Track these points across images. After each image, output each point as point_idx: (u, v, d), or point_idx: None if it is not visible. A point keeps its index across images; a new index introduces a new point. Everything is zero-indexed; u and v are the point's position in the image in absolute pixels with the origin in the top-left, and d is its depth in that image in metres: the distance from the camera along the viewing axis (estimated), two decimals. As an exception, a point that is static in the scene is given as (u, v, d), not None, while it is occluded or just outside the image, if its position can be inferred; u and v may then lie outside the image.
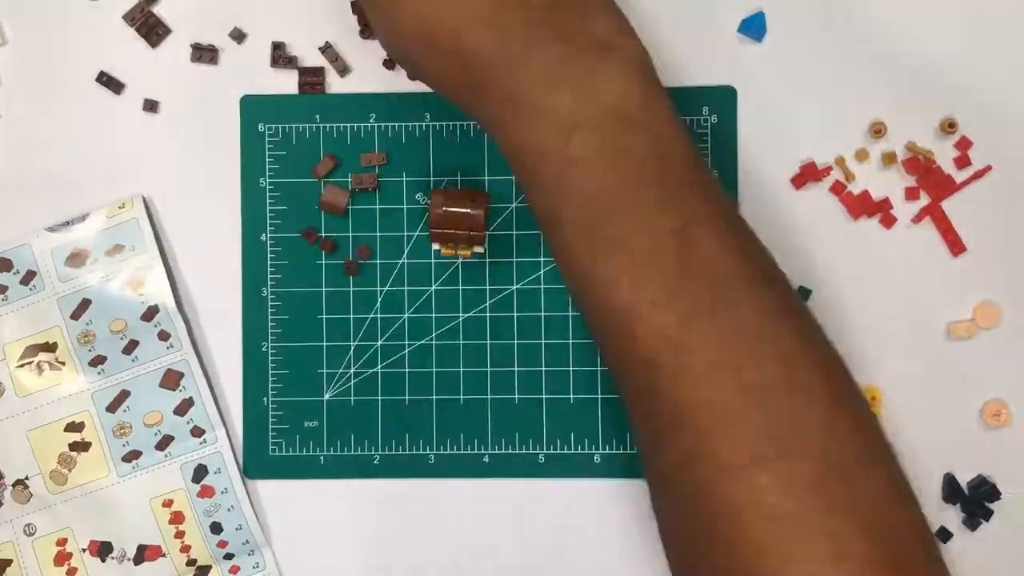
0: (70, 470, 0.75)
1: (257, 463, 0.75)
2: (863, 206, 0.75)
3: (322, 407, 0.75)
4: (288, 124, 0.75)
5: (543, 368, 0.75)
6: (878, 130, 0.75)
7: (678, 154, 0.61)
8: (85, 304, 0.74)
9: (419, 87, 0.74)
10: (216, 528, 0.75)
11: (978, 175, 0.75)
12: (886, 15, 0.75)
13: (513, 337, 0.75)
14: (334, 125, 0.75)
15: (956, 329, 0.75)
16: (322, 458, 0.75)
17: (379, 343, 0.75)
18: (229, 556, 0.75)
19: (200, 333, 0.76)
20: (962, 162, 0.75)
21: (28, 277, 0.75)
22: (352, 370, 0.75)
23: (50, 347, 0.75)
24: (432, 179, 0.74)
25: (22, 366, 0.74)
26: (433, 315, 0.75)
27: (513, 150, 0.61)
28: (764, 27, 0.75)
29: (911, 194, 0.75)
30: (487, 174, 0.75)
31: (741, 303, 0.58)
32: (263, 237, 0.75)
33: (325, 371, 0.75)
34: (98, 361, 0.75)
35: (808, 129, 0.75)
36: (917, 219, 0.75)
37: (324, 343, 0.75)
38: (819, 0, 0.75)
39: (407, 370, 0.75)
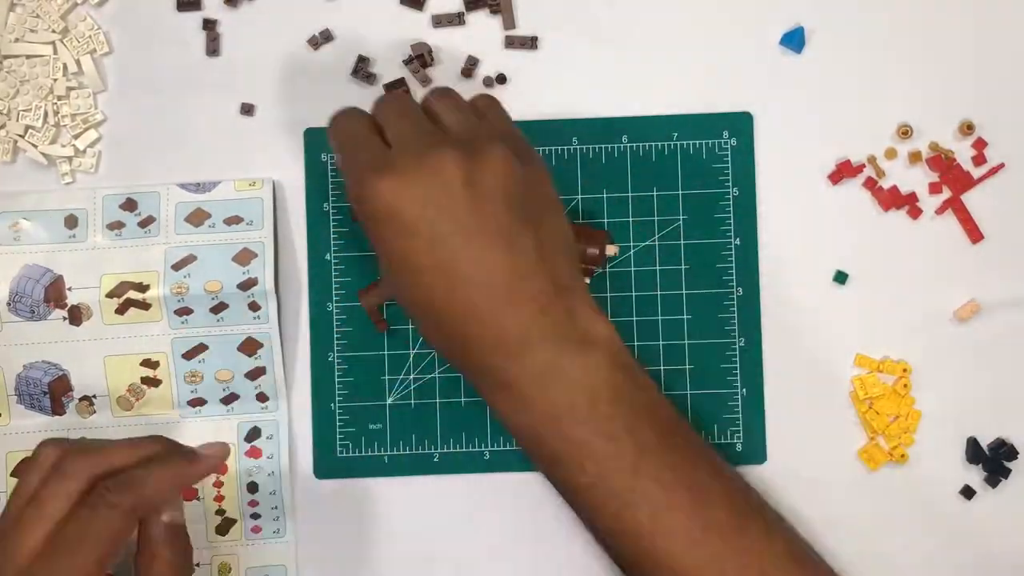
0: (137, 400, 0.78)
1: (326, 463, 0.79)
2: (892, 199, 0.80)
3: (385, 411, 0.79)
4: (349, 153, 0.79)
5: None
6: (905, 132, 0.79)
7: (664, 409, 0.68)
8: (190, 259, 0.77)
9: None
10: (252, 487, 0.78)
11: (993, 171, 0.79)
12: (909, 30, 0.80)
13: (559, 341, 0.80)
14: (390, 153, 0.80)
15: (961, 312, 0.79)
16: (386, 458, 0.79)
17: (436, 351, 0.79)
18: (255, 516, 0.79)
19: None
20: (979, 160, 0.79)
21: (147, 221, 0.78)
22: (412, 376, 0.79)
23: (141, 288, 0.77)
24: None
25: (110, 297, 0.77)
26: (485, 323, 0.79)
27: (512, 429, 0.67)
28: (803, 40, 0.80)
29: (934, 188, 0.79)
30: (531, 194, 0.80)
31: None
32: (328, 256, 0.79)
33: (387, 377, 0.79)
34: (184, 312, 0.77)
35: (843, 130, 0.80)
36: (940, 211, 0.80)
37: (386, 351, 0.79)
38: (851, 19, 0.80)
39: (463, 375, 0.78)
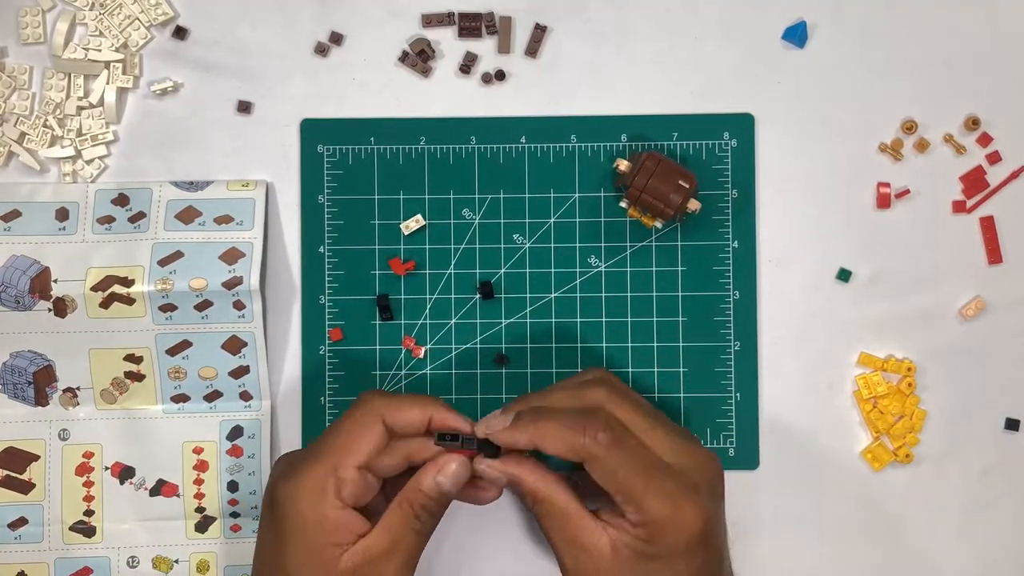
0: (121, 393, 0.78)
1: None
2: (897, 196, 0.79)
3: (375, 406, 0.79)
4: (344, 146, 0.79)
5: (579, 370, 0.78)
6: (909, 127, 0.78)
7: None
8: (176, 255, 0.77)
9: (466, 112, 0.79)
10: (232, 487, 0.79)
11: (1014, 176, 0.78)
12: (913, 24, 0.79)
13: (551, 341, 0.78)
14: (387, 147, 0.79)
15: (966, 310, 0.78)
16: None
17: (428, 346, 0.79)
18: (235, 515, 0.79)
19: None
20: (993, 158, 0.79)
21: (137, 217, 0.78)
22: (403, 371, 0.79)
23: (126, 282, 0.77)
24: (477, 196, 0.79)
25: (95, 290, 0.77)
26: (478, 321, 0.79)
27: None
28: (806, 35, 0.79)
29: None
30: (528, 191, 0.79)
31: None
32: (321, 249, 0.79)
33: (378, 372, 0.79)
34: (168, 308, 0.77)
35: (846, 126, 0.79)
36: (946, 208, 0.79)
37: (377, 346, 0.79)
38: (854, 12, 0.79)
39: (453, 371, 0.79)
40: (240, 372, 0.78)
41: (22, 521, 0.79)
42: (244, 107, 0.79)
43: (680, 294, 0.79)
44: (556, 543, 0.68)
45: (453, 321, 0.79)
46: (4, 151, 0.79)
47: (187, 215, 0.78)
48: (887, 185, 0.78)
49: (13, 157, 0.79)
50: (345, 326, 0.79)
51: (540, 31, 0.79)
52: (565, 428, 0.66)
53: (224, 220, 0.78)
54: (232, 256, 0.77)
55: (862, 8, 0.79)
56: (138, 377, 0.78)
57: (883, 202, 0.78)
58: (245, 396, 0.79)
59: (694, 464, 0.68)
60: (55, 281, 0.77)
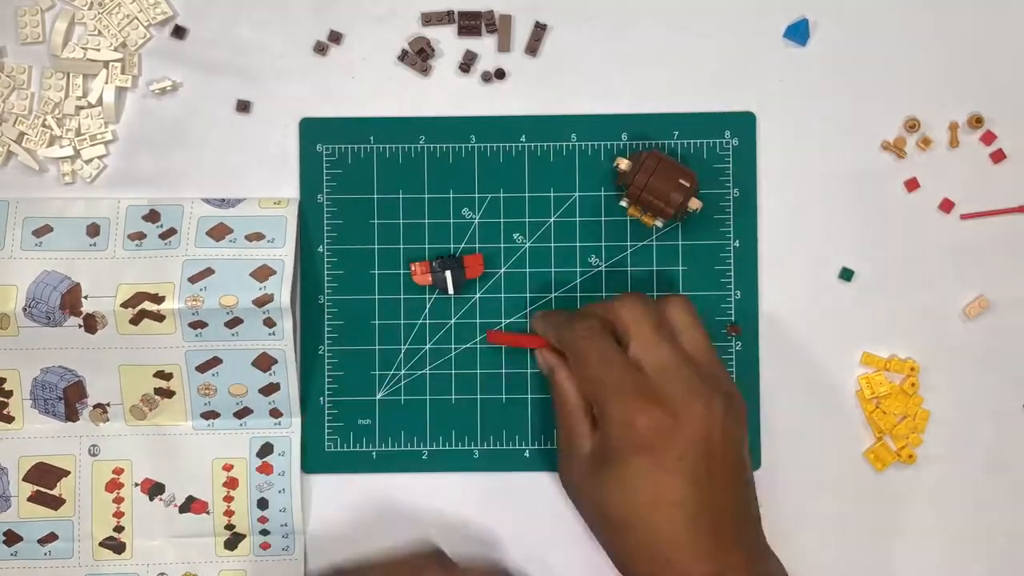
0: (151, 410, 0.78)
1: (314, 458, 0.79)
2: (899, 194, 0.78)
3: (375, 406, 0.79)
4: (344, 145, 0.79)
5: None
6: (912, 125, 0.78)
7: None
8: (207, 272, 0.76)
9: (465, 111, 0.79)
10: (263, 504, 0.78)
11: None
12: (914, 21, 0.79)
13: (552, 341, 0.79)
14: (386, 146, 0.79)
15: (970, 309, 0.78)
16: (374, 454, 0.78)
17: (427, 346, 0.78)
18: (265, 532, 0.78)
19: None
20: (997, 157, 0.78)
21: (168, 233, 0.77)
22: (403, 372, 0.79)
23: (157, 299, 0.76)
24: (477, 195, 0.78)
25: (125, 307, 0.76)
26: (477, 321, 0.78)
27: None
28: (808, 32, 0.79)
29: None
30: (527, 191, 0.79)
31: None
32: (320, 248, 0.79)
33: (377, 372, 0.79)
34: (198, 325, 0.76)
35: (848, 125, 0.79)
36: (947, 206, 0.79)
37: (376, 346, 0.79)
38: (856, 9, 0.79)
39: (453, 371, 0.79)
40: (270, 389, 0.78)
41: (52, 537, 0.78)
42: (243, 106, 0.79)
43: (681, 294, 0.78)
44: (558, 423, 0.73)
45: (453, 321, 0.79)
46: (3, 151, 0.78)
47: (218, 232, 0.77)
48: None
49: (12, 157, 0.79)
50: (344, 326, 0.79)
51: (540, 29, 0.78)
52: (558, 315, 0.74)
53: (255, 237, 0.77)
54: (263, 273, 0.76)
55: (864, 5, 0.79)
56: (168, 394, 0.78)
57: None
58: (275, 413, 0.78)
59: (677, 391, 0.68)
60: (86, 297, 0.76)
